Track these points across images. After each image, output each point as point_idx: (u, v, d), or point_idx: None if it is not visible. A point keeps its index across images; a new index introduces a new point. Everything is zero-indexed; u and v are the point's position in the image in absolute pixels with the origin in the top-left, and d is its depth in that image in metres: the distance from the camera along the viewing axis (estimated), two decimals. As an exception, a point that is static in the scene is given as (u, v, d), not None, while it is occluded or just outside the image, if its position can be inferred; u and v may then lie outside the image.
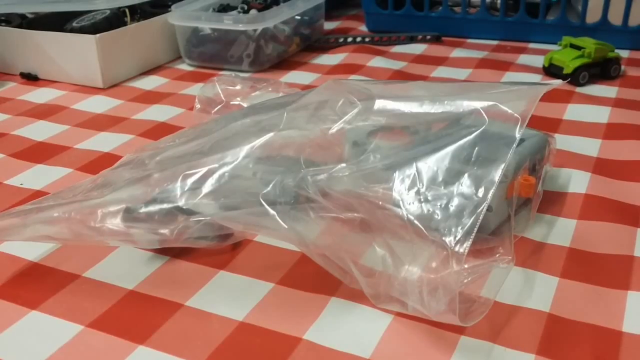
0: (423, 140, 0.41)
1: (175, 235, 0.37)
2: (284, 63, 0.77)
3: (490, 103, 0.37)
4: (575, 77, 0.65)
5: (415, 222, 0.34)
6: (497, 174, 0.34)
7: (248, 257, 0.40)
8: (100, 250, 0.42)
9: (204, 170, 0.39)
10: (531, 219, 0.42)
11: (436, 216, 0.34)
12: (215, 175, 0.41)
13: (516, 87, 0.38)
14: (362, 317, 0.35)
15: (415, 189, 0.36)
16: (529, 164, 0.42)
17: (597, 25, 0.75)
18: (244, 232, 0.41)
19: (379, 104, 0.41)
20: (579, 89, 0.65)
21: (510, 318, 0.34)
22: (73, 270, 0.40)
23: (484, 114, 0.37)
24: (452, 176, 0.36)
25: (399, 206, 0.35)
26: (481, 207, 0.33)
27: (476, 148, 0.37)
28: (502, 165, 0.35)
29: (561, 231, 0.41)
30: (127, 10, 0.78)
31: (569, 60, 0.65)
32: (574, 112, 0.60)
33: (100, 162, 0.54)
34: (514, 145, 0.35)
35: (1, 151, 0.57)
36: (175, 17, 0.75)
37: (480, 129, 0.37)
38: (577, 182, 0.47)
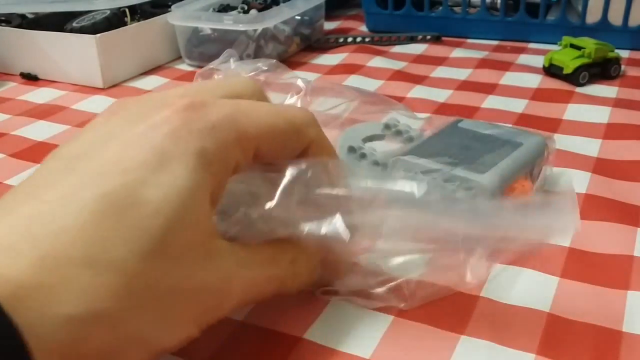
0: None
1: None
2: (284, 63, 0.77)
3: None
4: (576, 77, 0.65)
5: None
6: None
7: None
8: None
9: None
10: None
11: None
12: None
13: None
14: (362, 317, 0.34)
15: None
16: (528, 168, 0.41)
17: (597, 25, 0.75)
18: None
19: None
20: (579, 89, 0.65)
21: (510, 318, 0.34)
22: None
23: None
24: None
25: None
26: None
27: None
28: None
29: (561, 231, 0.41)
30: (127, 10, 0.78)
31: (569, 60, 0.65)
32: (574, 112, 0.60)
33: (100, 162, 0.54)
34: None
35: (1, 151, 0.57)
36: (176, 17, 0.75)
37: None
38: (577, 182, 0.47)
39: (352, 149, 0.44)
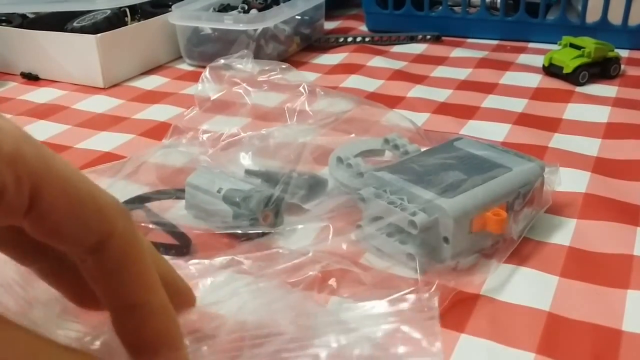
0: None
1: None
2: (284, 62, 0.77)
3: None
4: (575, 77, 0.65)
5: None
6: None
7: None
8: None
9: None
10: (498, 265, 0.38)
11: None
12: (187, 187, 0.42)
13: None
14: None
15: None
16: (509, 197, 0.38)
17: (596, 25, 0.76)
18: None
19: None
20: (578, 89, 0.65)
21: (510, 317, 0.34)
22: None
23: None
24: None
25: None
26: None
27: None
28: None
29: (561, 230, 0.41)
30: (127, 10, 0.78)
31: (568, 60, 0.65)
32: (573, 111, 0.60)
33: (100, 162, 0.54)
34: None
35: (2, 151, 0.57)
36: (176, 17, 0.76)
37: None
38: (577, 181, 0.47)
39: (340, 160, 0.45)
